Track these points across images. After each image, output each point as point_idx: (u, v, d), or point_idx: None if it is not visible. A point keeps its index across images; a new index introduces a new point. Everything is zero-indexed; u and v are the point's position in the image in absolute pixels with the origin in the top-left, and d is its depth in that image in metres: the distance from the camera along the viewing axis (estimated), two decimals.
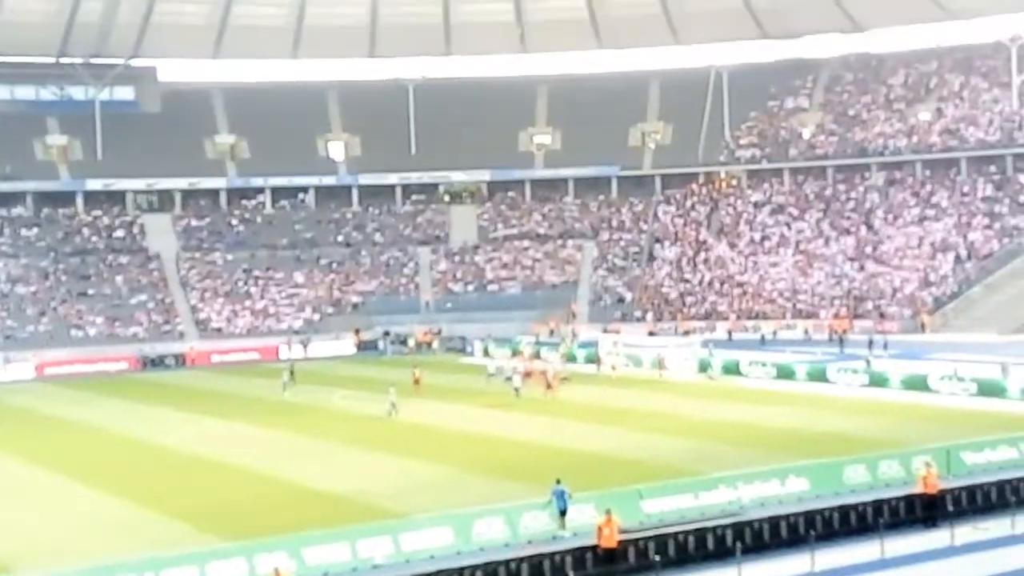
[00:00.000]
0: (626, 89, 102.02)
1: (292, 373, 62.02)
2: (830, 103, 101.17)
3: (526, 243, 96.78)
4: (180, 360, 79.39)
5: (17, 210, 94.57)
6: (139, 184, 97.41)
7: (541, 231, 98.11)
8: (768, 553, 25.79)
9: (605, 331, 77.88)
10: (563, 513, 27.26)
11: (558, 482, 27.64)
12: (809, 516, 26.87)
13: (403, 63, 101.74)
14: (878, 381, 52.50)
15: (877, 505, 27.61)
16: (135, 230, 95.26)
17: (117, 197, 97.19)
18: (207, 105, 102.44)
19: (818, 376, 55.67)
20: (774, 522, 26.54)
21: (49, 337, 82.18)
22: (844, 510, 27.40)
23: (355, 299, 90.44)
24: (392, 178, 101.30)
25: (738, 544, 25.09)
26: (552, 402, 51.94)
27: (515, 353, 69.16)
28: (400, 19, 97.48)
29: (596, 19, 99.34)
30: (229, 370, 74.02)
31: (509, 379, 56.38)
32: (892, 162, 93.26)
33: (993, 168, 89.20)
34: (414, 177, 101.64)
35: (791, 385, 54.77)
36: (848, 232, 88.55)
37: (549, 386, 54.54)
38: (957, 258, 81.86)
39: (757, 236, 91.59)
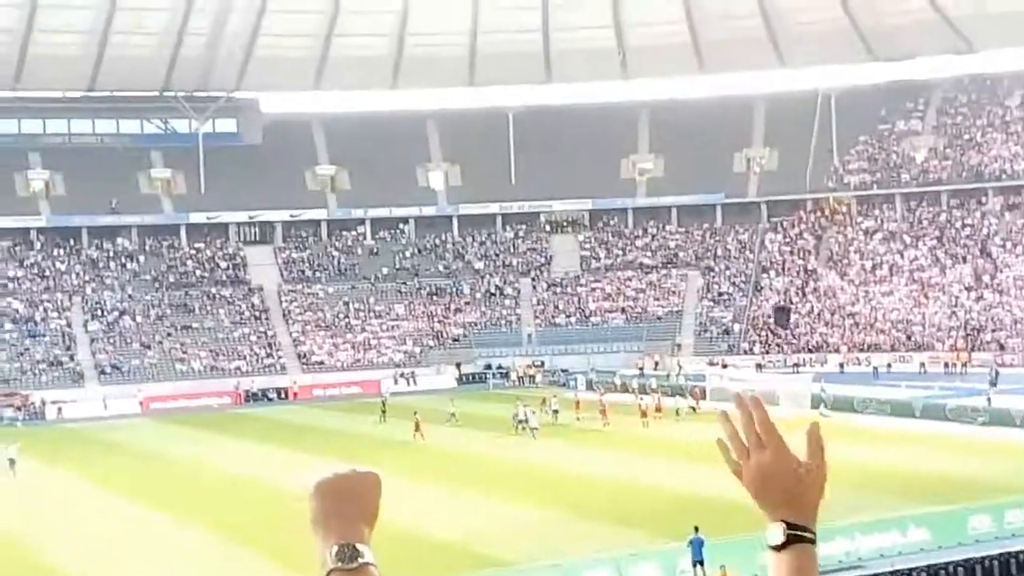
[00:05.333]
0: (730, 114, 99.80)
1: (384, 409, 62.10)
2: (943, 126, 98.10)
3: (629, 273, 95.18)
4: (282, 394, 79.21)
5: (122, 242, 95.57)
6: (241, 216, 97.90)
7: (644, 260, 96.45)
8: None
9: (711, 363, 76.19)
10: (699, 563, 25.96)
11: (696, 530, 26.29)
12: (932, 571, 25.06)
13: (503, 91, 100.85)
14: (1000, 419, 50.07)
15: (1004, 559, 25.50)
16: (237, 262, 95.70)
17: (220, 229, 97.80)
18: (308, 136, 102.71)
19: (936, 413, 53.35)
20: None
21: (154, 370, 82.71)
22: (969, 565, 25.32)
23: (456, 331, 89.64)
24: (492, 207, 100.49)
25: None
26: (661, 441, 50.46)
27: (622, 386, 67.97)
28: (499, 47, 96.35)
29: (698, 43, 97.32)
30: (331, 405, 73.52)
31: (524, 422, 53.95)
32: (1010, 186, 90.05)
33: None
34: (515, 207, 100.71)
35: (908, 423, 52.48)
36: (964, 260, 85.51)
37: (643, 414, 55.23)
38: None
39: (868, 264, 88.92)
